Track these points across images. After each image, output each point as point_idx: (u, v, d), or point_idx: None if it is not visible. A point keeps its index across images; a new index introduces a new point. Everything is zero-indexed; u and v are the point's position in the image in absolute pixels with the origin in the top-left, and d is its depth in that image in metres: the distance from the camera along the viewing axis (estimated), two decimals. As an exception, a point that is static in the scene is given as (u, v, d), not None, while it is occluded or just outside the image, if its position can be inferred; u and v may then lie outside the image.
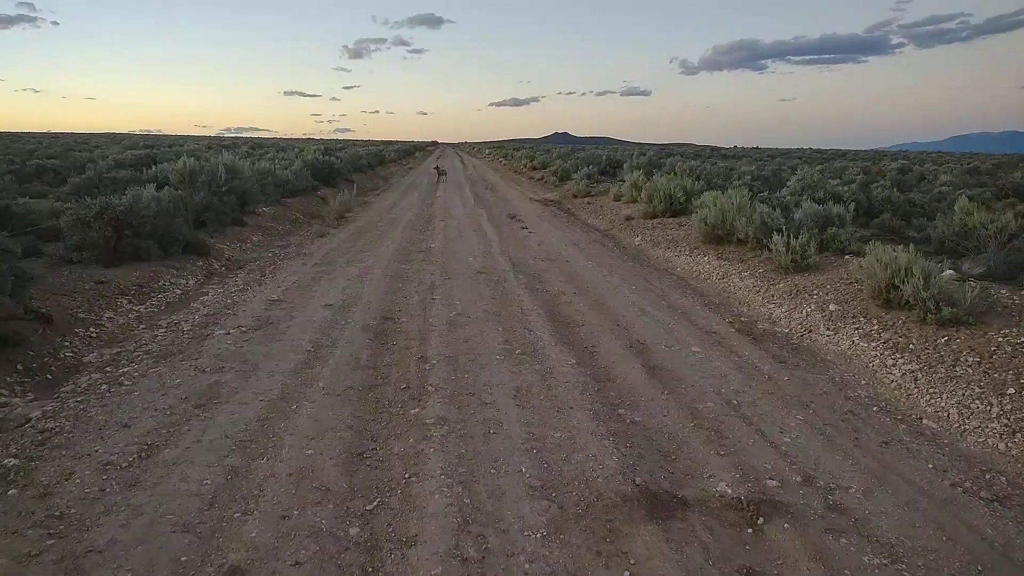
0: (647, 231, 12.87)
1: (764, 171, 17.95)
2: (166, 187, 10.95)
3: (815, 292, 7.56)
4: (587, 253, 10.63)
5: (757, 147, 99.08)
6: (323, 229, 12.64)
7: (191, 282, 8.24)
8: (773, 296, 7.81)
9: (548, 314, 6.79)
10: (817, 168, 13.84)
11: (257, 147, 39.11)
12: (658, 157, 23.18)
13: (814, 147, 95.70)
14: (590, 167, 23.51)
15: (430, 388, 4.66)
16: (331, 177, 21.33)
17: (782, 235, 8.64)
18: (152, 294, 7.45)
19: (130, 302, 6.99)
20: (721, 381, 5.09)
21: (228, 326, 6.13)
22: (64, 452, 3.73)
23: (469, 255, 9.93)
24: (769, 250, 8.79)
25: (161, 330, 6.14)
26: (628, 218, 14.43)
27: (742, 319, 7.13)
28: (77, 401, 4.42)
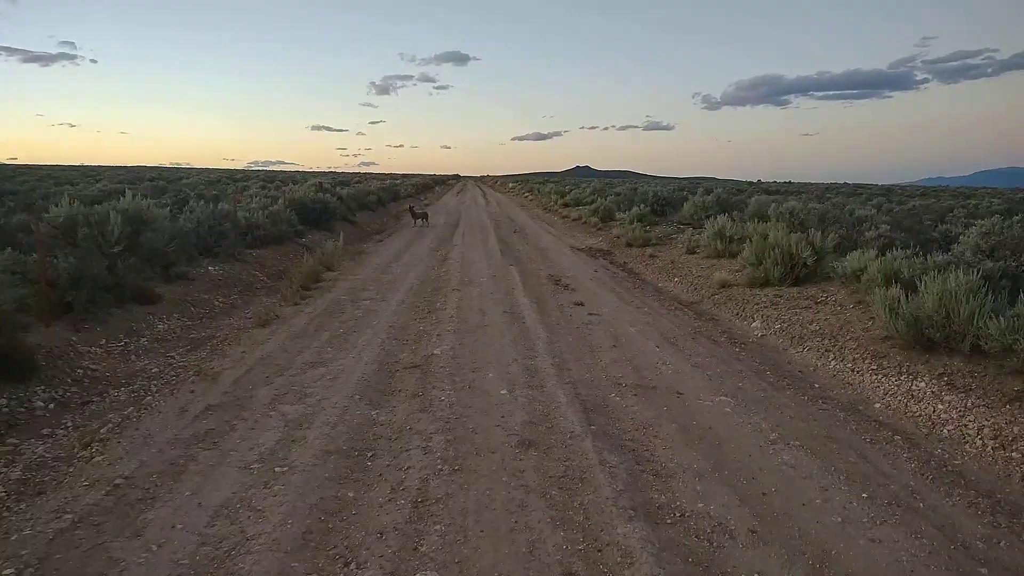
0: (765, 309, 8.41)
1: (890, 214, 13.48)
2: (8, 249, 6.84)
3: None
4: (700, 365, 6.16)
5: (789, 181, 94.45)
6: (274, 308, 8.30)
7: (-66, 461, 3.92)
8: None
9: None
10: (1005, 218, 9.33)
11: (269, 181, 35.41)
12: (729, 194, 18.75)
13: (840, 181, 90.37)
14: (641, 206, 19.13)
15: None
16: (324, 219, 17.23)
17: None
18: None
19: None
20: None
21: None
22: None
23: (499, 379, 5.50)
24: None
25: None
26: (723, 285, 9.99)
27: None
28: None
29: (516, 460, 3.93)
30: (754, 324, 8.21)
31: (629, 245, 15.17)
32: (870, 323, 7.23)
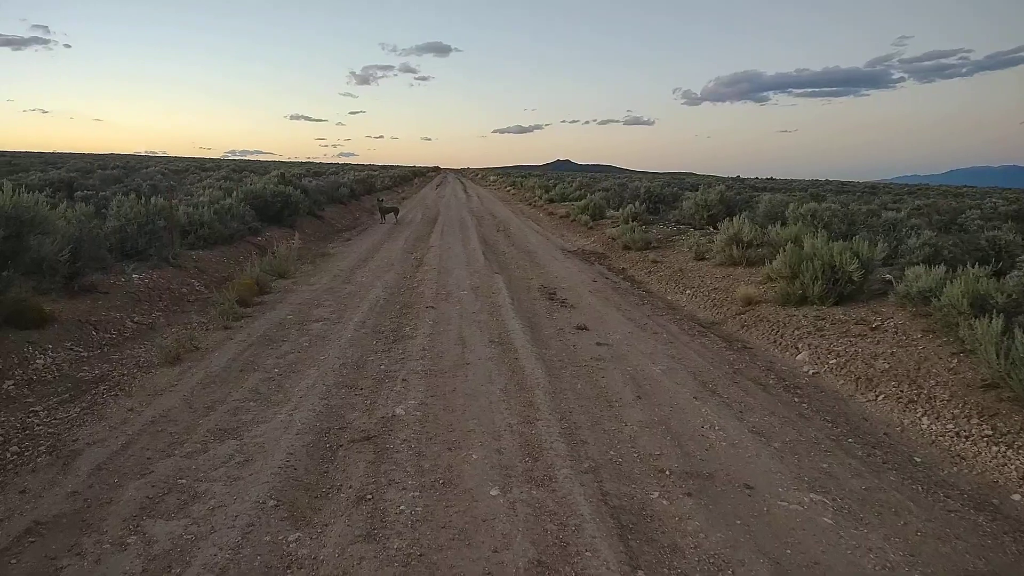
0: (809, 336, 6.85)
1: (917, 217, 12.02)
2: None
3: None
4: (759, 429, 4.52)
5: (772, 178, 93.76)
6: (196, 333, 6.52)
7: None
8: None
9: None
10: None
11: (238, 171, 33.20)
12: (732, 192, 17.17)
13: (817, 178, 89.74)
14: (636, 204, 17.53)
15: None
16: (286, 214, 15.34)
17: None
18: None
19: None
20: None
21: None
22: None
23: (487, 463, 3.78)
24: None
25: None
26: (749, 301, 8.40)
27: None
28: None
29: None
30: (800, 356, 6.62)
31: (627, 248, 13.54)
32: (954, 362, 5.66)
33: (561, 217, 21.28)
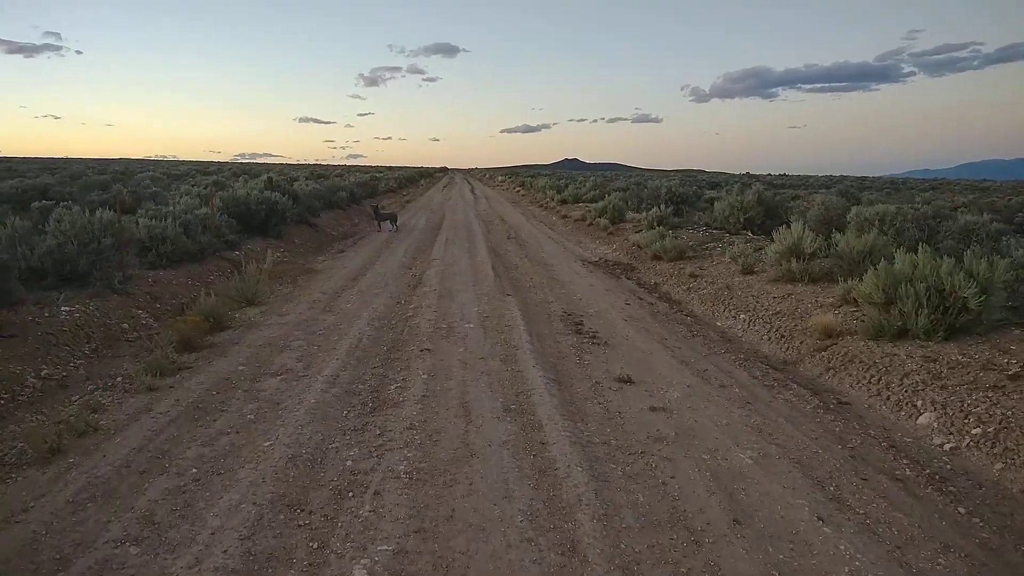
0: (926, 388, 5.16)
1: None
2: None
3: None
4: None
5: (784, 174, 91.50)
6: (100, 402, 4.82)
7: None
8: None
9: None
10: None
11: (237, 175, 31.60)
12: (770, 191, 15.27)
13: (828, 174, 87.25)
14: (661, 206, 15.69)
15: None
16: (273, 222, 13.65)
17: None
18: None
19: None
20: None
21: None
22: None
23: None
24: None
25: None
26: (829, 334, 6.64)
27: None
28: None
29: None
30: (922, 419, 4.88)
31: (657, 258, 11.79)
32: None
33: (576, 221, 19.52)
